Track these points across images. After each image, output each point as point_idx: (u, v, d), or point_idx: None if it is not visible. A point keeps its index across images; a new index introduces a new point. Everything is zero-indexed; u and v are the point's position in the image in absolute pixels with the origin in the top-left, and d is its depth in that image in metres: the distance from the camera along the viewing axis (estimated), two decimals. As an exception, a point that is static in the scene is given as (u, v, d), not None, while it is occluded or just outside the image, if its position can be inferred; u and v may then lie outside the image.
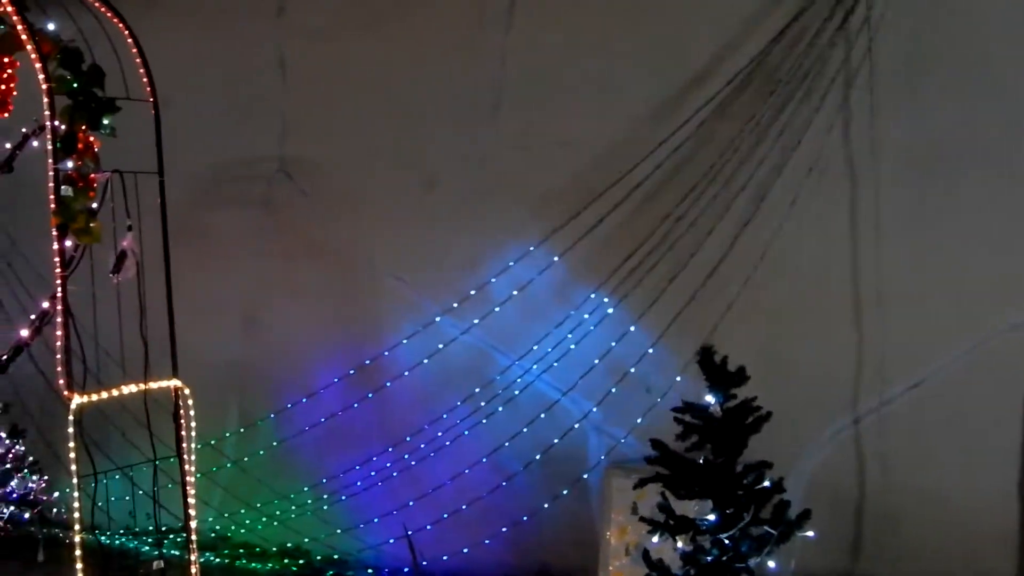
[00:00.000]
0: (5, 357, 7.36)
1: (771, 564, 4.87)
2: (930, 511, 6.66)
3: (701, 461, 4.90)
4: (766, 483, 4.84)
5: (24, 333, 7.06)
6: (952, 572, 6.52)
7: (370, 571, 8.31)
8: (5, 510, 8.33)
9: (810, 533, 4.82)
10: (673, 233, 7.11)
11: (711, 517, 4.78)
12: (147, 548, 8.46)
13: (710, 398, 4.85)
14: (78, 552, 5.73)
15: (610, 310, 7.37)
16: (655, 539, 4.90)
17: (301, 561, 8.59)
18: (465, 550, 8.01)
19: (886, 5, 6.79)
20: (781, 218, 6.84)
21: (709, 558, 4.79)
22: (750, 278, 6.89)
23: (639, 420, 7.25)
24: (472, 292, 7.88)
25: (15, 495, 8.50)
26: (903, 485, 6.72)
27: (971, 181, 6.74)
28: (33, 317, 6.98)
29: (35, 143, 6.61)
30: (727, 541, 4.76)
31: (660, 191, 7.18)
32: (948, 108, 6.76)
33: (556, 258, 7.47)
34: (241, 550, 8.71)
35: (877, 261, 6.70)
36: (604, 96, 7.55)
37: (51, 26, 6.08)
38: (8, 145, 6.74)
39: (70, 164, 5.78)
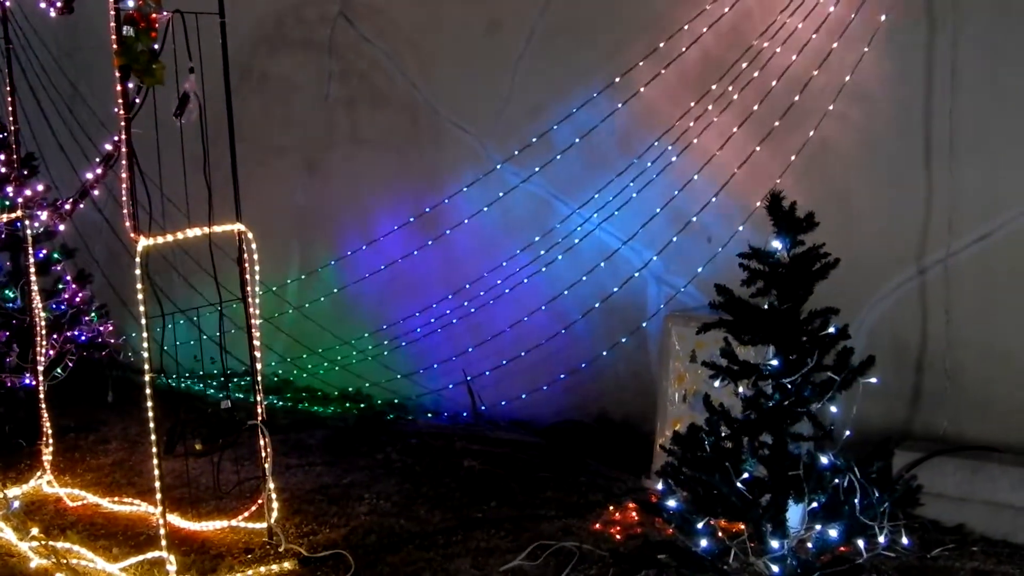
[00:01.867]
0: (71, 201, 7.45)
1: (832, 410, 4.85)
2: (993, 366, 6.59)
3: (765, 307, 4.86)
4: (831, 329, 4.79)
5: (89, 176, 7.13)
6: (1013, 428, 6.49)
7: (430, 415, 8.47)
8: (75, 353, 8.52)
9: (873, 380, 4.78)
10: (741, 80, 6.94)
11: (774, 362, 4.75)
12: (213, 391, 8.68)
13: (777, 243, 4.77)
14: (148, 391, 5.81)
15: (673, 158, 7.26)
16: (716, 384, 4.87)
17: (362, 405, 8.78)
18: (524, 396, 8.12)
19: None
20: (853, 63, 6.64)
21: (771, 403, 4.78)
22: (818, 125, 6.74)
23: (699, 270, 7.21)
24: (534, 140, 7.81)
25: (84, 338, 8.68)
26: (966, 339, 6.64)
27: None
28: (98, 160, 7.03)
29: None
30: (789, 386, 4.74)
31: (731, 33, 7.00)
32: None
33: (620, 104, 7.33)
34: (304, 394, 8.91)
35: (951, 109, 6.50)
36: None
37: None
38: (68, -15, 6.68)
39: (131, 3, 5.70)
